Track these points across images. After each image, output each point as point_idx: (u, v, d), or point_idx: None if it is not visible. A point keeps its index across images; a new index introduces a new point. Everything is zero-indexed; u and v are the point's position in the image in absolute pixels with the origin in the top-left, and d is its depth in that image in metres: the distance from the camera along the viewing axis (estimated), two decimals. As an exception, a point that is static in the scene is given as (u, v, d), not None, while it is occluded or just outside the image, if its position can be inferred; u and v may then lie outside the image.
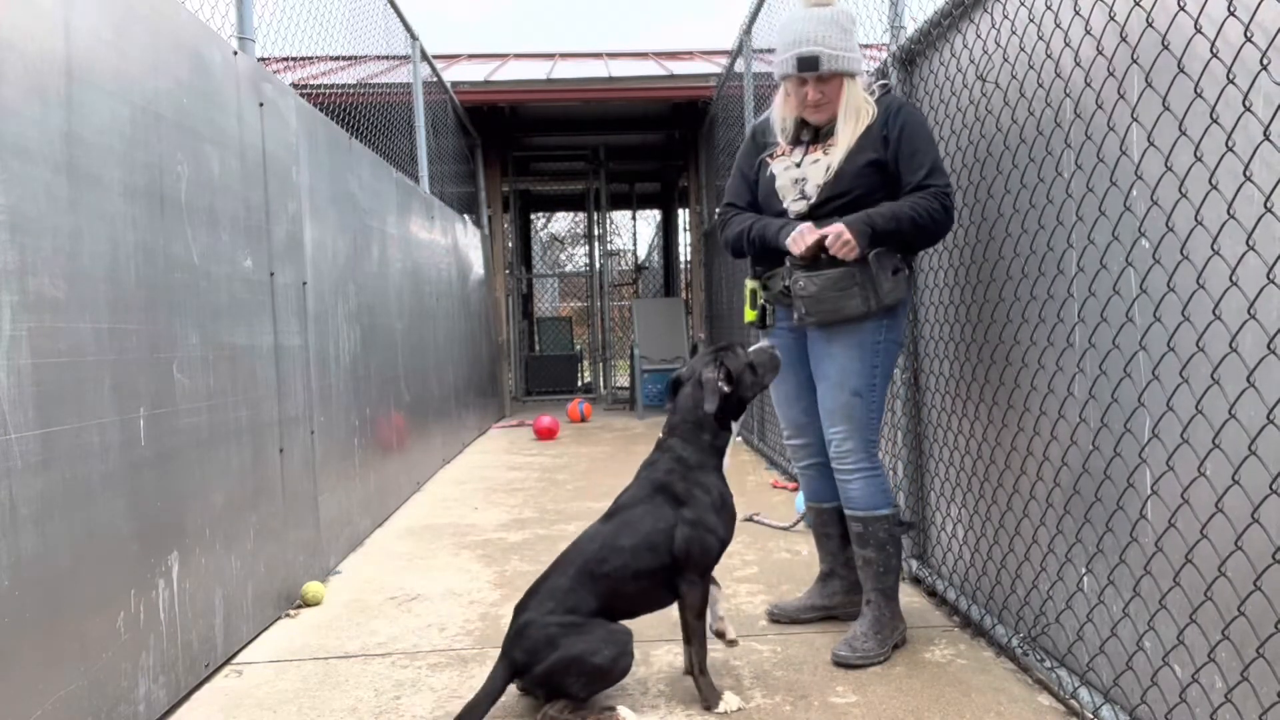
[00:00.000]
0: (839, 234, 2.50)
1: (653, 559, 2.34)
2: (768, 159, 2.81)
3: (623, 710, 2.27)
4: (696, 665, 2.35)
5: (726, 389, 2.44)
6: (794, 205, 2.70)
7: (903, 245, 2.61)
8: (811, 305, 2.60)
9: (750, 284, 2.86)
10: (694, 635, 2.36)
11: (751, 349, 2.57)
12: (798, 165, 2.70)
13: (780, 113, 2.79)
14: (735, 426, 2.52)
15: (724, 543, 2.43)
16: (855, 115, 2.64)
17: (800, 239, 2.56)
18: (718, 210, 3.03)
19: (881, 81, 2.75)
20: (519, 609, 2.36)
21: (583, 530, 2.52)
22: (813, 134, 2.74)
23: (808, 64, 2.58)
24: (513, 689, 2.34)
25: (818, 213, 2.64)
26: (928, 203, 2.55)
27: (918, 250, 2.72)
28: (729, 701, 2.30)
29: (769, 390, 2.83)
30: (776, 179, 2.74)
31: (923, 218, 2.55)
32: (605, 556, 2.34)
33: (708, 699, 2.32)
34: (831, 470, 2.79)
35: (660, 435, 2.53)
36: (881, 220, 2.54)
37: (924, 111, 3.08)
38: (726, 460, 2.51)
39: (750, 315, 2.85)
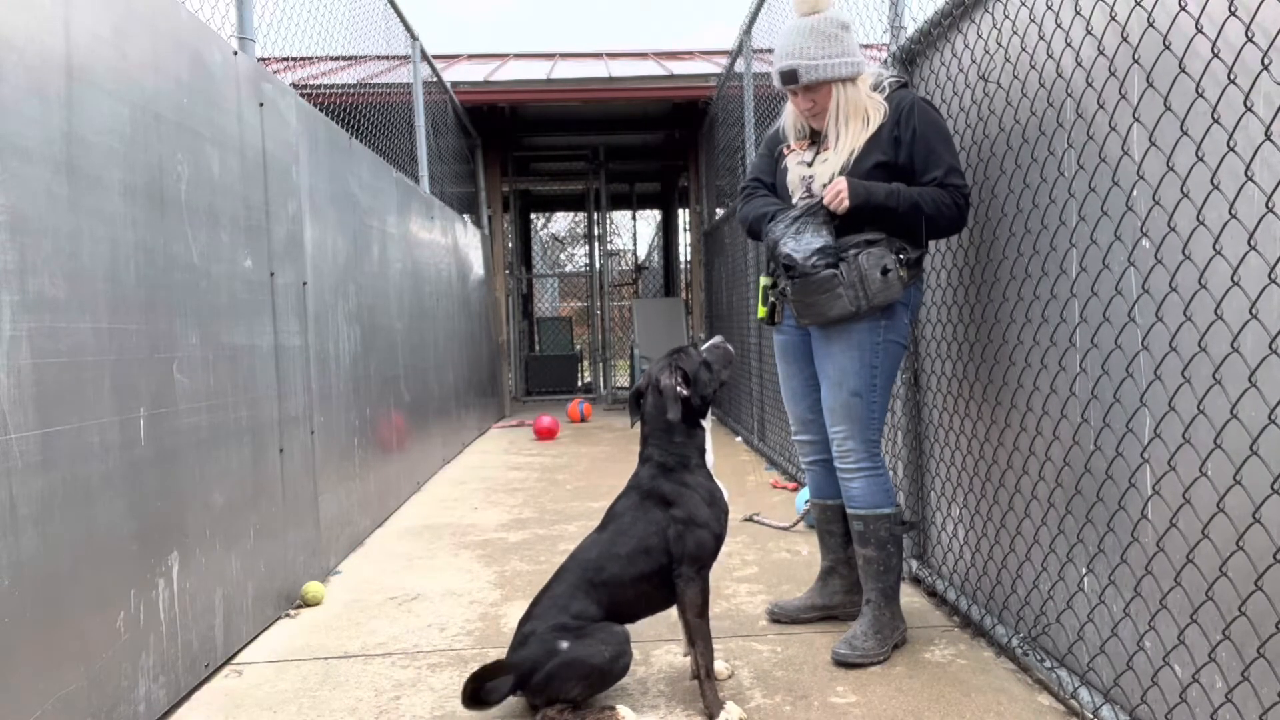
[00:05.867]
0: (835, 183, 2.55)
1: (648, 562, 2.35)
2: (785, 150, 2.86)
3: (622, 709, 2.26)
4: (703, 669, 2.34)
5: (685, 392, 2.45)
6: (801, 203, 2.72)
7: (901, 228, 2.59)
8: (800, 309, 2.63)
9: (763, 280, 2.88)
10: (698, 636, 2.34)
11: (704, 346, 2.57)
12: (809, 165, 2.74)
13: (790, 118, 2.85)
14: (706, 424, 2.53)
15: (718, 538, 2.43)
16: (853, 118, 2.65)
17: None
18: (740, 187, 3.07)
19: (891, 77, 2.72)
20: (522, 621, 2.36)
21: (582, 533, 2.52)
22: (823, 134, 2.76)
23: (787, 78, 2.66)
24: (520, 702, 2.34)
25: None
26: (939, 194, 2.56)
27: (919, 238, 2.68)
28: (730, 712, 2.28)
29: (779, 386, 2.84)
30: (789, 173, 2.80)
31: (929, 206, 2.55)
32: (603, 564, 2.35)
33: (710, 707, 2.30)
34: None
35: (640, 448, 2.53)
36: (883, 192, 2.55)
37: (925, 111, 3.08)
38: (710, 458, 2.51)
39: (761, 312, 2.89)
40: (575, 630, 2.26)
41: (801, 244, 2.58)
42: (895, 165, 2.61)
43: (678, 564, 2.35)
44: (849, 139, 2.65)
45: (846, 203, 2.52)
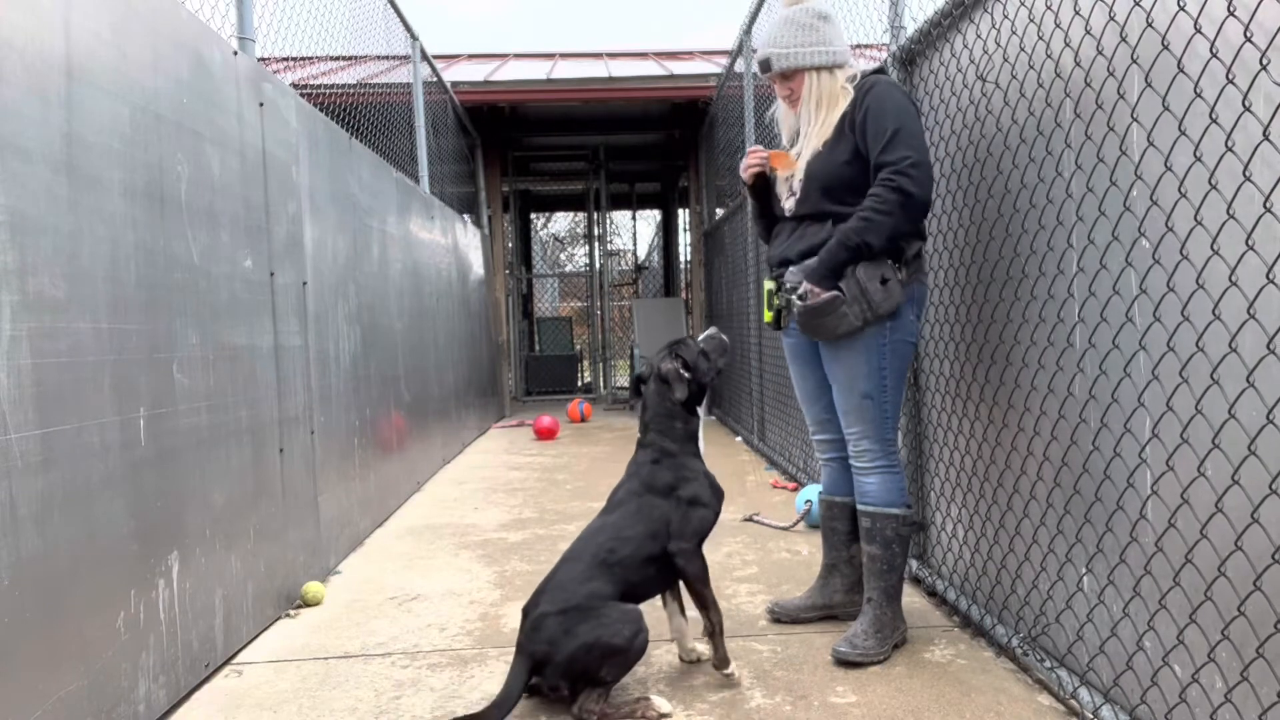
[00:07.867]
0: (803, 291, 2.62)
1: (655, 544, 2.46)
2: None
3: (656, 699, 2.31)
4: (717, 627, 2.47)
5: (688, 376, 2.62)
6: (786, 203, 2.81)
7: (874, 248, 2.54)
8: (806, 329, 2.69)
9: (767, 284, 2.89)
10: (708, 601, 2.47)
11: (701, 336, 2.74)
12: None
13: (781, 115, 2.93)
14: (701, 411, 2.70)
15: (716, 515, 2.59)
16: (823, 107, 2.70)
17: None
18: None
19: (865, 69, 2.80)
20: (529, 607, 2.37)
21: (584, 528, 2.57)
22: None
23: (763, 66, 2.77)
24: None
25: (802, 206, 2.74)
26: (873, 200, 2.52)
27: (910, 238, 2.67)
28: (735, 666, 2.53)
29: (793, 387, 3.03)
30: (777, 179, 2.86)
31: (873, 221, 2.51)
32: (614, 546, 2.43)
33: (721, 664, 2.49)
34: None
35: (639, 435, 2.68)
36: (828, 257, 2.57)
37: (923, 111, 3.08)
38: (701, 444, 2.68)
39: (767, 316, 2.90)
40: (589, 610, 2.29)
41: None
42: (858, 149, 2.62)
43: (678, 539, 2.47)
44: (818, 128, 2.70)
45: (823, 295, 2.57)
